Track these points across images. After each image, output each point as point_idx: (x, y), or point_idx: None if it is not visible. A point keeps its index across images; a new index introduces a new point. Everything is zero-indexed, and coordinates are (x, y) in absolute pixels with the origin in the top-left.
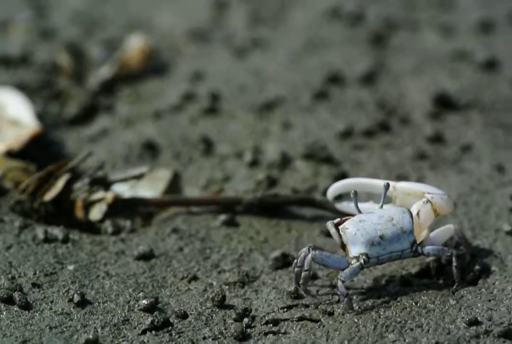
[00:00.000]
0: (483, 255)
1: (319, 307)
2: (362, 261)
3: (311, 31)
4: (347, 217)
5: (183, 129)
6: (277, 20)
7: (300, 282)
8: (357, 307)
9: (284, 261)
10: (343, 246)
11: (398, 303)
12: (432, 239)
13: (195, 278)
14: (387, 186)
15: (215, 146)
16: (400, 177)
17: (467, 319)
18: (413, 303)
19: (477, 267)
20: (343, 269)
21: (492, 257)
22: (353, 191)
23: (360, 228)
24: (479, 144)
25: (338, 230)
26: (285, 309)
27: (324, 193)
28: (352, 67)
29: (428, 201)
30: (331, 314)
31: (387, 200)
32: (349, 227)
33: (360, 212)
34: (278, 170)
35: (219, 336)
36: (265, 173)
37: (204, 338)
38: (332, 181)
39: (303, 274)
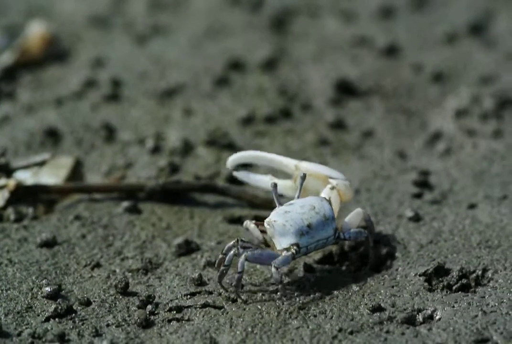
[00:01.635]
0: (386, 242)
1: (222, 293)
2: (293, 251)
3: (211, 17)
4: (260, 222)
5: (85, 115)
6: (178, 6)
7: (234, 284)
8: (261, 294)
9: (187, 248)
10: (266, 242)
11: (302, 290)
12: (347, 224)
13: (98, 265)
14: (303, 177)
15: (117, 133)
16: None
17: (371, 306)
18: (317, 289)
19: (380, 253)
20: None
21: (395, 243)
22: (272, 183)
23: (288, 219)
24: (381, 130)
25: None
26: (189, 296)
27: (227, 179)
28: (253, 53)
29: (333, 187)
30: (234, 301)
31: (286, 177)
32: (277, 219)
33: (280, 204)
34: (180, 156)
35: (123, 323)
36: (167, 159)
37: (108, 325)
38: (234, 167)
39: (237, 276)
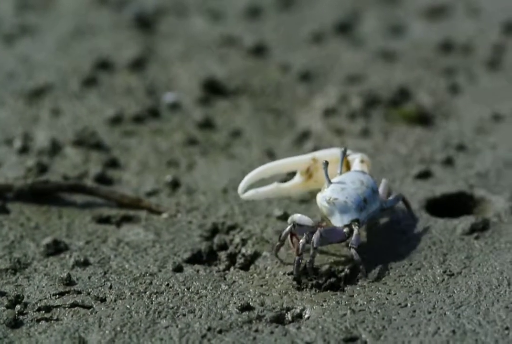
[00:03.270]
0: (255, 240)
1: (91, 293)
2: (355, 226)
3: (79, 17)
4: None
5: None
6: (45, 6)
7: (309, 261)
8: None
9: (55, 248)
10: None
11: (170, 289)
12: (382, 194)
13: None
14: (344, 152)
15: None
16: (171, 163)
17: (240, 305)
18: (185, 289)
19: (248, 252)
20: (339, 241)
21: (264, 242)
22: (324, 161)
23: (347, 195)
24: (249, 129)
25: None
26: (57, 296)
27: (95, 179)
28: (121, 53)
29: (363, 160)
30: (103, 300)
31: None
32: (338, 197)
33: (330, 181)
34: (48, 156)
35: None
36: (35, 159)
37: None
38: (102, 167)
39: (312, 252)
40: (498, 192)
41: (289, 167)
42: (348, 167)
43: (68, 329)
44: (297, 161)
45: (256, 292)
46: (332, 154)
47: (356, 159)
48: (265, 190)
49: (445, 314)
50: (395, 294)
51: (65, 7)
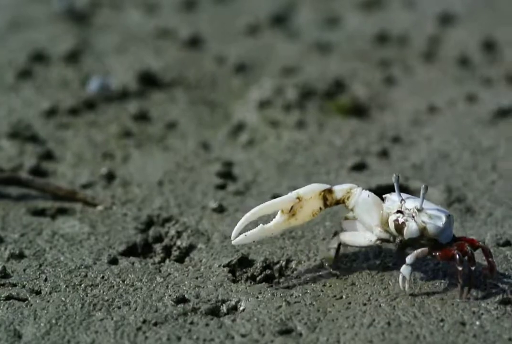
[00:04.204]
0: (190, 233)
1: (26, 286)
2: None
3: (14, 10)
4: None
5: None
6: None
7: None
8: None
9: None
10: None
11: (106, 282)
12: None
13: None
14: (397, 179)
15: None
16: (107, 155)
17: (175, 297)
18: (120, 281)
19: (183, 244)
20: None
21: (199, 234)
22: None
23: None
24: (184, 121)
25: None
26: None
27: (30, 171)
28: (56, 45)
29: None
30: (38, 293)
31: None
32: None
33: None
34: None
35: None
36: None
37: None
38: (38, 159)
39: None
40: (433, 184)
41: (275, 207)
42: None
43: (3, 322)
44: (282, 201)
45: (191, 285)
46: (314, 190)
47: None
48: (252, 233)
49: (380, 306)
50: (330, 286)
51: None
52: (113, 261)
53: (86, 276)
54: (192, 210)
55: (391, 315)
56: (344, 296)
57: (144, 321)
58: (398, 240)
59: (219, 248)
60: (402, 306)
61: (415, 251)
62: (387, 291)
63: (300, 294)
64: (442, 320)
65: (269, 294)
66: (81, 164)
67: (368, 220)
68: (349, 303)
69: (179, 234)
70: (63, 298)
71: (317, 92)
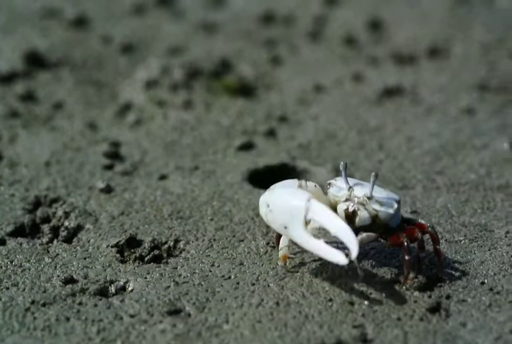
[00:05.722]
0: (78, 213)
1: None
2: None
3: None
4: None
5: None
6: None
7: None
8: None
9: None
10: None
11: None
12: None
13: None
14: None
15: None
16: None
17: (63, 277)
18: (8, 262)
19: (71, 225)
20: None
21: (86, 215)
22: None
23: None
24: (71, 101)
25: None
26: None
27: None
28: None
29: None
30: None
31: None
32: None
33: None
34: None
35: None
36: None
37: None
38: None
39: None
40: (320, 164)
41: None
42: None
43: None
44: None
45: (79, 265)
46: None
47: None
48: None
49: (268, 286)
50: (218, 266)
51: None
52: (1, 242)
53: None
54: (79, 191)
55: (280, 295)
56: (232, 276)
57: (32, 302)
58: None
59: (107, 228)
60: (291, 286)
61: (359, 236)
62: (276, 271)
63: (189, 274)
64: (330, 300)
65: (157, 275)
66: None
67: None
68: (238, 283)
69: (66, 215)
70: None
71: (204, 72)
